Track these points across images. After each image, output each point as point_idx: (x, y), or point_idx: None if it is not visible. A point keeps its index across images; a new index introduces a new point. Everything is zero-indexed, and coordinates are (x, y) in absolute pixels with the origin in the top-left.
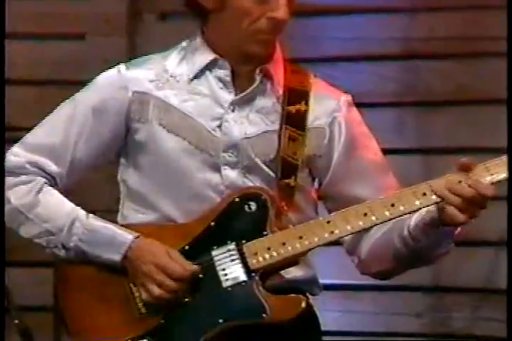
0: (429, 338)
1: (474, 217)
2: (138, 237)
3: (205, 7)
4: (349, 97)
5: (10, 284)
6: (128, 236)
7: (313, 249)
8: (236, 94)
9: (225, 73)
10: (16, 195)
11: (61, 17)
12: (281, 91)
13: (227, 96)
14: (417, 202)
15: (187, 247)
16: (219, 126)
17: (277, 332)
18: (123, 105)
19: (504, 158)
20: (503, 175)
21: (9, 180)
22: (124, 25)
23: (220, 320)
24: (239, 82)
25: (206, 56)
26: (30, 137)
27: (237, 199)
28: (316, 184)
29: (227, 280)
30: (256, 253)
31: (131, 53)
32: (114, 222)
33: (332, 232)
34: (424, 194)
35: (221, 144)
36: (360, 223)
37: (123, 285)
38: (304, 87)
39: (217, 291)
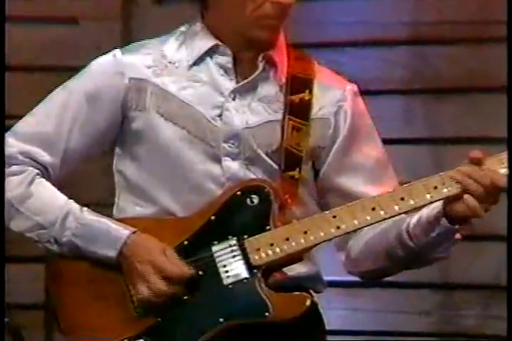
0: (437, 337)
1: (487, 210)
2: (134, 232)
3: None
4: (355, 87)
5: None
6: (123, 231)
7: (318, 244)
8: (237, 82)
9: (226, 60)
10: (7, 187)
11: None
12: (284, 80)
13: (228, 83)
14: (428, 196)
15: (186, 243)
16: (219, 115)
17: (280, 331)
18: (119, 92)
19: None
20: None
21: None
22: (118, 9)
23: (221, 319)
24: (241, 69)
25: (206, 42)
26: (21, 126)
27: (238, 192)
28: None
29: (228, 277)
30: (258, 249)
31: (126, 38)
32: (109, 216)
33: (338, 227)
34: (436, 187)
35: (221, 134)
36: (368, 218)
37: (119, 281)
38: (307, 75)
39: (217, 289)
